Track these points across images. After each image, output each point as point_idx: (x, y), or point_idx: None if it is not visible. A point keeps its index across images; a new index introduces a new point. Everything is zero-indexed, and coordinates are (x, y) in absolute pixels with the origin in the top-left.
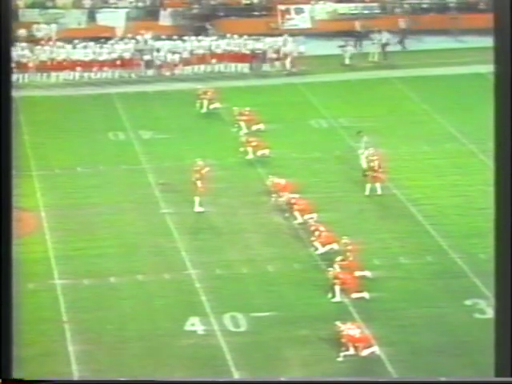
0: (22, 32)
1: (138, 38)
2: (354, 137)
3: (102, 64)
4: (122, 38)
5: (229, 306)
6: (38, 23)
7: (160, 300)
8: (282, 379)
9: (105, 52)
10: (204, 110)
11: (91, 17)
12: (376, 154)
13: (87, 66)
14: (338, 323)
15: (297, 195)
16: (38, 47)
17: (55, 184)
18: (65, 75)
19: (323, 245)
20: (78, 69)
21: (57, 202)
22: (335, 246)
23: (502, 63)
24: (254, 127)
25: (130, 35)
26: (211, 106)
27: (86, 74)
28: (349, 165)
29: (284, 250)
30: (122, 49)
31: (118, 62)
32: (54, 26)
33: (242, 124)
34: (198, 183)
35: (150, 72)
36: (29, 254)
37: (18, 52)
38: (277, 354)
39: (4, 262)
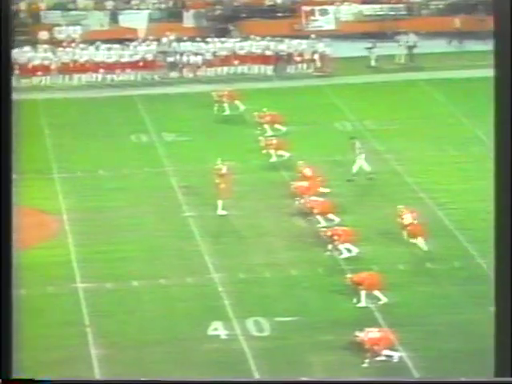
0: (43, 34)
1: (161, 39)
2: (379, 139)
3: (124, 66)
4: (144, 40)
5: (252, 310)
6: (60, 25)
7: (182, 304)
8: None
9: (127, 54)
10: (227, 112)
11: (114, 18)
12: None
13: (110, 67)
14: (357, 333)
15: (321, 198)
16: (61, 49)
17: (77, 187)
18: (87, 77)
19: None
20: (101, 71)
21: (79, 205)
22: (354, 249)
23: (502, 67)
24: (275, 128)
25: (152, 37)
26: (229, 107)
27: (108, 76)
28: (375, 167)
29: (307, 253)
30: (144, 50)
31: (141, 64)
32: (76, 27)
33: (266, 126)
34: (221, 186)
35: (173, 74)
36: (51, 258)
37: (41, 54)
38: (300, 359)
39: (4, 265)
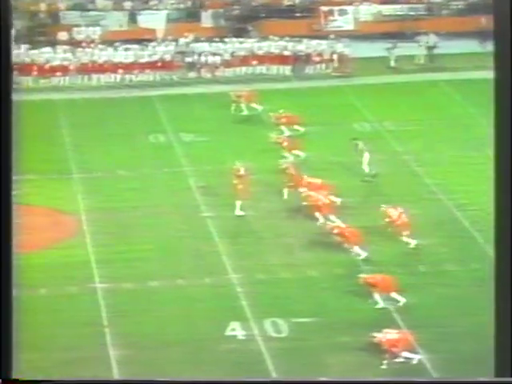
0: (63, 35)
1: (179, 39)
2: (399, 140)
3: (142, 66)
4: (162, 40)
5: (269, 311)
6: (79, 26)
7: (200, 304)
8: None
9: (146, 54)
10: (245, 112)
11: (132, 19)
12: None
13: (128, 68)
14: (375, 334)
15: (333, 197)
16: (80, 50)
17: (96, 187)
18: (106, 78)
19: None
20: (119, 71)
21: (97, 205)
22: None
23: (502, 68)
24: (292, 128)
25: (170, 37)
26: (247, 108)
27: (127, 77)
28: (393, 168)
29: (325, 254)
30: (162, 51)
31: (159, 64)
32: (95, 28)
33: (283, 127)
34: (239, 187)
35: (191, 74)
36: (69, 258)
37: (60, 55)
38: (318, 360)
39: (4, 265)
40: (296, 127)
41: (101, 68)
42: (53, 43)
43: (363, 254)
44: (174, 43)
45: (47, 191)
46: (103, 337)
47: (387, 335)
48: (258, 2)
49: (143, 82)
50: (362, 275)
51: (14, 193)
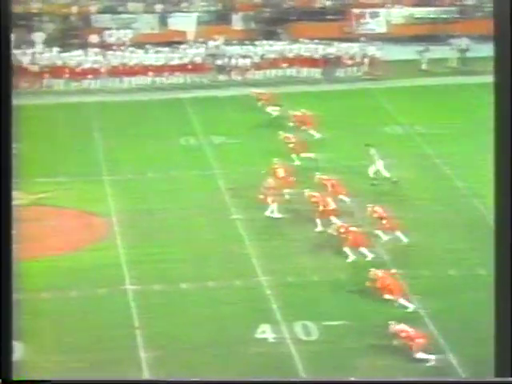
0: (94, 38)
1: (210, 42)
2: (430, 143)
3: (173, 69)
4: (193, 43)
5: (300, 313)
6: (110, 29)
7: (230, 307)
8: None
9: (176, 57)
10: (276, 113)
11: (163, 21)
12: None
13: (159, 70)
14: (391, 322)
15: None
16: (110, 52)
17: (127, 189)
18: (137, 80)
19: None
20: (150, 74)
21: (128, 207)
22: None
23: (502, 72)
24: (304, 129)
25: (201, 39)
26: (268, 110)
27: (157, 79)
28: (425, 171)
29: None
30: (193, 53)
31: (190, 67)
32: (126, 31)
33: (303, 128)
34: (274, 191)
35: (222, 77)
36: (100, 260)
37: (91, 58)
38: (348, 363)
39: (4, 266)
40: (311, 130)
41: (132, 71)
42: (84, 46)
43: (370, 256)
44: (204, 46)
45: (78, 193)
46: (134, 339)
47: (402, 333)
48: (289, 4)
49: (174, 85)
50: (372, 275)
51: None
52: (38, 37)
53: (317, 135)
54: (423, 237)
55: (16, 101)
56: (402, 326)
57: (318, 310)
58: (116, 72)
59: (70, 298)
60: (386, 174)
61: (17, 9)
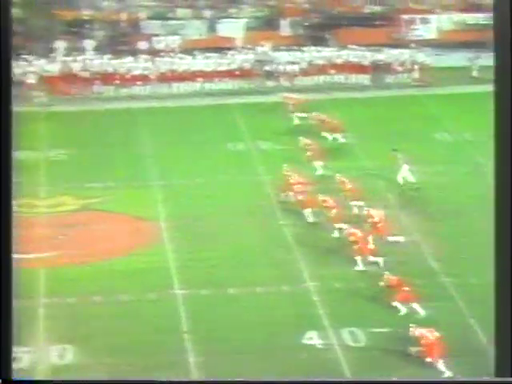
0: (143, 44)
1: (258, 48)
2: (479, 151)
3: (221, 75)
4: (241, 49)
5: (347, 320)
6: (158, 35)
7: (278, 312)
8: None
9: (225, 63)
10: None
11: (211, 27)
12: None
13: (207, 76)
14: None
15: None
16: (159, 59)
17: (175, 194)
18: (185, 86)
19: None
20: (199, 79)
21: (176, 213)
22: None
23: (502, 81)
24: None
25: (249, 45)
26: (298, 116)
27: (206, 85)
28: (474, 178)
29: None
30: (241, 59)
31: (238, 73)
32: (174, 37)
33: (325, 134)
34: (319, 195)
35: (270, 82)
36: (150, 264)
37: (140, 64)
38: (395, 370)
39: (4, 265)
40: (336, 135)
41: (180, 76)
42: (133, 52)
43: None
44: (252, 52)
45: (127, 198)
46: (182, 342)
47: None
48: (337, 10)
49: (222, 91)
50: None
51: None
52: (89, 44)
53: (342, 140)
54: (469, 246)
55: (63, 107)
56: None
57: (364, 317)
58: (165, 78)
59: (121, 302)
60: (412, 178)
61: (67, 16)
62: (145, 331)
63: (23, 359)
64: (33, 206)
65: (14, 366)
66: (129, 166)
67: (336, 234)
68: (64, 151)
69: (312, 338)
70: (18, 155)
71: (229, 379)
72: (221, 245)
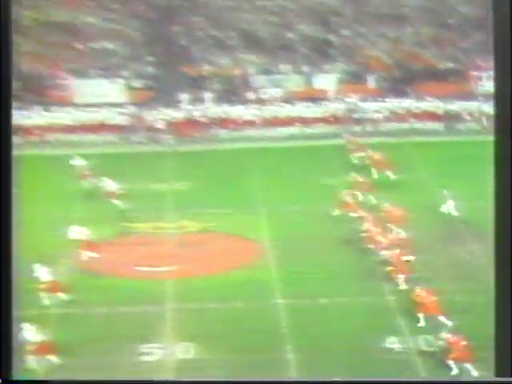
0: (250, 95)
1: (347, 98)
2: None
3: (316, 120)
4: (334, 99)
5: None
6: (264, 87)
7: (361, 320)
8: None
9: (319, 111)
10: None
11: (308, 80)
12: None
13: (305, 122)
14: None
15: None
16: (264, 107)
17: (277, 220)
18: (286, 130)
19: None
20: (297, 124)
21: (278, 234)
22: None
23: (502, 81)
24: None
25: (340, 96)
26: (352, 155)
27: (303, 129)
28: None
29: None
30: (334, 108)
31: (331, 119)
32: (277, 89)
33: (373, 170)
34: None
35: (357, 128)
36: (256, 277)
37: (249, 111)
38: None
39: (4, 265)
40: (387, 172)
41: (282, 122)
42: (243, 102)
43: None
44: (343, 101)
45: (239, 222)
46: (282, 343)
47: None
48: (416, 65)
49: (317, 134)
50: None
51: None
52: (207, 95)
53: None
54: None
55: (187, 147)
56: None
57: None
58: (269, 123)
59: (233, 309)
60: (455, 213)
61: (191, 72)
62: (252, 333)
63: (155, 354)
64: (162, 228)
65: (146, 359)
66: (240, 196)
67: None
68: (187, 183)
69: (394, 343)
70: (151, 187)
71: (224, 379)
72: (311, 261)
